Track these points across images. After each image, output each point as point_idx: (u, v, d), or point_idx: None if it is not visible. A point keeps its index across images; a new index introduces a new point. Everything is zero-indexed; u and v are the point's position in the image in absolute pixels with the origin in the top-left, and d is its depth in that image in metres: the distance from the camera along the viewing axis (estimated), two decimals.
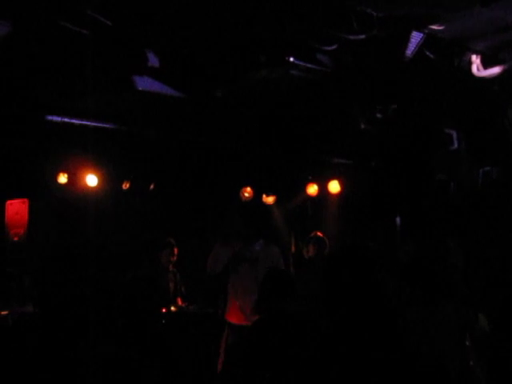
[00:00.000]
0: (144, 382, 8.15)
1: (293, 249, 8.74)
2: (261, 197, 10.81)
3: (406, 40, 6.45)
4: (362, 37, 6.21)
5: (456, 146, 9.17)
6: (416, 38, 6.47)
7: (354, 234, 10.08)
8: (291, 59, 6.69)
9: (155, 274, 8.90)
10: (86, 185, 9.33)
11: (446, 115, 8.87)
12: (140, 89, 7.13)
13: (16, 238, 8.59)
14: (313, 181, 10.67)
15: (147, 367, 8.35)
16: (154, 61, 6.80)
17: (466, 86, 7.67)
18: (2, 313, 7.69)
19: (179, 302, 8.99)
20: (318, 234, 8.93)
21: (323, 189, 10.65)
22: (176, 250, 9.11)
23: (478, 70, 7.13)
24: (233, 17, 6.06)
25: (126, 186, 9.86)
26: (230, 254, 8.13)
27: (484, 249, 8.79)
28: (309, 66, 6.82)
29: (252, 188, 10.59)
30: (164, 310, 8.66)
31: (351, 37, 6.17)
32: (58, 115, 8.07)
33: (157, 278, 8.91)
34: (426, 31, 6.45)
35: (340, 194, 10.58)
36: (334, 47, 6.42)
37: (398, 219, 10.27)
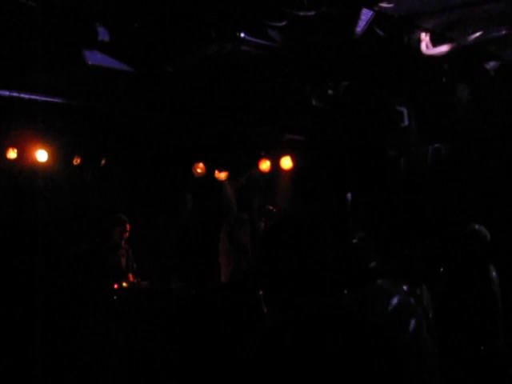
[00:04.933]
0: (96, 356, 8.15)
1: None
2: (213, 172, 10.82)
3: (356, 17, 6.47)
4: (312, 13, 6.21)
5: (407, 123, 9.26)
6: (366, 15, 6.48)
7: (306, 210, 10.16)
8: (242, 35, 6.67)
9: (106, 249, 8.89)
10: (36, 160, 9.24)
11: (396, 92, 8.95)
12: (90, 63, 7.04)
13: None
14: (265, 156, 10.70)
15: (99, 342, 8.35)
16: (104, 35, 6.71)
17: (416, 64, 7.75)
18: None
19: (131, 277, 9.00)
20: (270, 208, 9.00)
21: (275, 165, 10.69)
22: (128, 226, 9.09)
23: (427, 47, 7.20)
24: None
25: (76, 161, 9.80)
26: None
27: (433, 224, 8.95)
28: (259, 41, 6.81)
29: (204, 164, 10.60)
30: (116, 286, 8.66)
31: (301, 13, 6.17)
32: (7, 89, 7.95)
33: (104, 253, 8.90)
34: (376, 8, 6.47)
35: (292, 170, 10.64)
36: (284, 23, 6.42)
37: (348, 195, 10.37)
